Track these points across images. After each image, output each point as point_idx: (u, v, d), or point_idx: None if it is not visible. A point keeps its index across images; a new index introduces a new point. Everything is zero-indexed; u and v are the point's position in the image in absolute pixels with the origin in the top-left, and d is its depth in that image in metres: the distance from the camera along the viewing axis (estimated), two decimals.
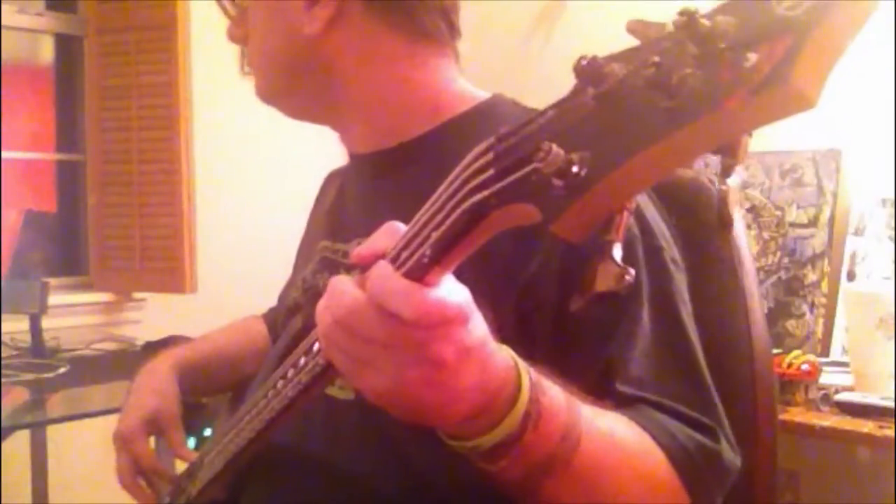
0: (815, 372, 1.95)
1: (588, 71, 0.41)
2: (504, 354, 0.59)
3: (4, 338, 2.30)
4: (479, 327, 0.54)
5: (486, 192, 0.46)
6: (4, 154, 2.64)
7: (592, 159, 0.41)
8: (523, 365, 0.60)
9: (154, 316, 2.74)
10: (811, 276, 2.37)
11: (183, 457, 1.01)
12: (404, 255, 0.52)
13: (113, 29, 2.71)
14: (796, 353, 2.02)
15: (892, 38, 2.30)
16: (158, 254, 2.71)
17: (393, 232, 0.55)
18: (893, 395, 1.80)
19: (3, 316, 2.30)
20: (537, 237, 0.71)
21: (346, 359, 0.55)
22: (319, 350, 0.63)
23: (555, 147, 0.42)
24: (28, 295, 2.32)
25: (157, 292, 2.73)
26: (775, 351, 2.05)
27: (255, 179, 3.02)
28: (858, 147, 2.38)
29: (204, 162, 2.75)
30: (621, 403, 0.69)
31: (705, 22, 0.37)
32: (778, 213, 2.45)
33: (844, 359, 2.13)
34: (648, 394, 0.71)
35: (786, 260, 2.42)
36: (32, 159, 2.97)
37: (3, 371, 1.46)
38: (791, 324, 2.37)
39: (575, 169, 0.41)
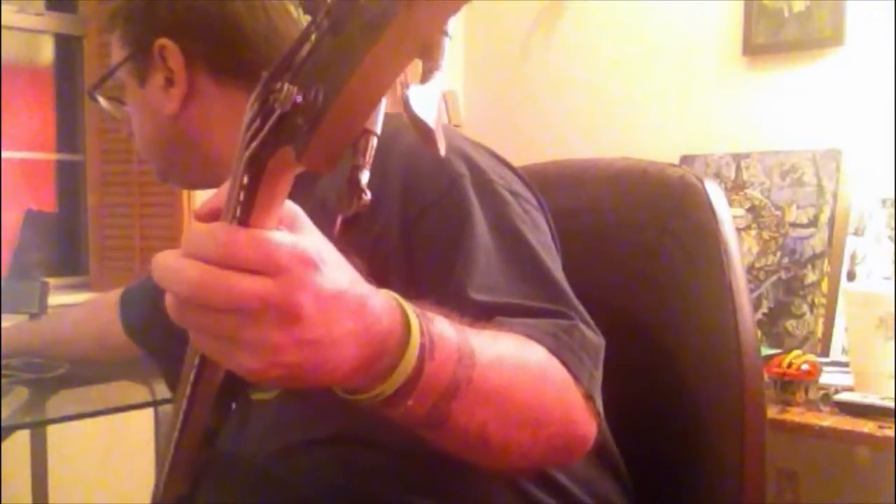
0: (815, 372, 1.95)
1: (307, 4, 0.44)
2: (384, 297, 0.58)
3: None
4: (338, 274, 0.53)
5: (255, 144, 0.47)
6: (4, 154, 2.64)
7: (321, 89, 0.43)
8: (406, 302, 0.59)
9: None
10: (811, 276, 2.37)
11: None
12: (227, 211, 0.51)
13: None
14: (796, 353, 2.02)
15: (892, 37, 2.30)
16: None
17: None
18: (893, 395, 1.80)
19: (3, 316, 2.30)
20: (380, 198, 0.75)
21: (209, 341, 0.52)
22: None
23: (286, 86, 0.44)
24: (28, 295, 2.32)
25: None
26: (775, 351, 2.06)
27: None
28: (858, 147, 2.38)
29: None
30: (479, 316, 0.70)
31: None
32: (778, 213, 2.45)
33: (844, 359, 2.13)
34: (499, 297, 0.75)
35: (786, 260, 2.42)
36: (32, 159, 2.96)
37: (3, 371, 1.46)
38: (791, 324, 2.37)
39: (302, 100, 0.43)
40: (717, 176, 2.53)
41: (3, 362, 1.50)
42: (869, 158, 2.36)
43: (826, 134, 2.43)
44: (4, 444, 1.88)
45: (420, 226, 0.78)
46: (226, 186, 0.52)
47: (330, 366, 0.54)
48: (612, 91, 2.84)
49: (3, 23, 2.57)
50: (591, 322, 0.78)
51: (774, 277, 2.42)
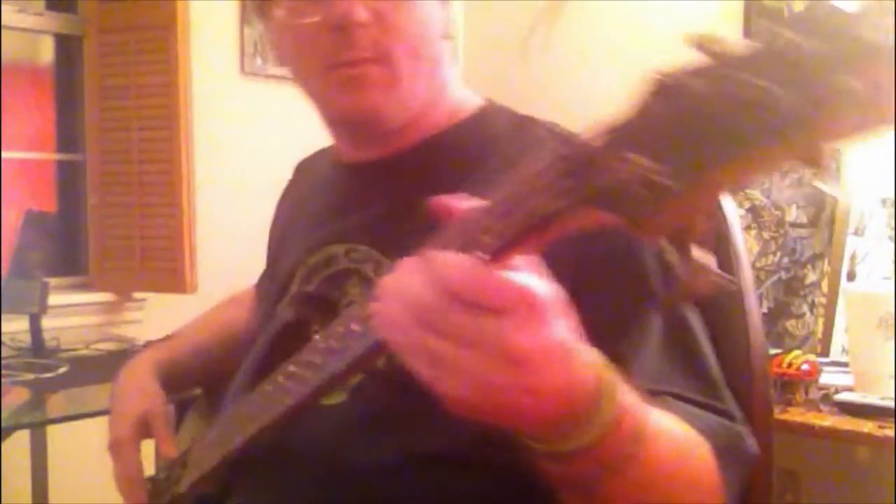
0: (815, 372, 1.95)
1: (667, 85, 0.42)
2: (591, 355, 0.56)
3: (4, 338, 2.30)
4: (562, 325, 0.52)
5: (565, 201, 0.46)
6: (4, 154, 2.64)
7: (676, 167, 0.41)
8: (608, 366, 0.58)
9: (154, 316, 2.74)
10: (811, 276, 2.37)
11: (167, 455, 1.00)
12: (478, 242, 0.51)
13: (113, 29, 2.71)
14: (796, 353, 2.02)
15: (892, 37, 2.30)
16: (158, 254, 2.71)
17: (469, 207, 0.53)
18: (893, 395, 1.80)
19: (3, 316, 2.30)
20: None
21: (424, 359, 0.51)
22: (337, 348, 0.63)
23: (638, 157, 0.42)
24: (28, 295, 2.32)
25: (157, 292, 2.73)
26: (775, 351, 2.06)
27: (255, 179, 3.02)
28: (858, 147, 2.38)
29: (204, 162, 2.75)
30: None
31: (788, 42, 0.38)
32: (778, 213, 2.45)
33: (844, 359, 2.13)
34: (664, 387, 0.73)
35: (786, 260, 2.42)
36: (32, 159, 2.97)
37: (3, 371, 1.46)
38: (791, 324, 2.37)
39: (658, 177, 0.42)
40: None
41: (4, 362, 1.49)
42: (869, 158, 2.36)
43: None
44: (4, 444, 1.88)
45: (591, 283, 0.73)
46: (456, 197, 0.53)
47: (528, 415, 0.53)
48: (612, 90, 2.84)
49: (3, 23, 2.57)
50: (747, 422, 0.77)
51: (774, 277, 2.42)
